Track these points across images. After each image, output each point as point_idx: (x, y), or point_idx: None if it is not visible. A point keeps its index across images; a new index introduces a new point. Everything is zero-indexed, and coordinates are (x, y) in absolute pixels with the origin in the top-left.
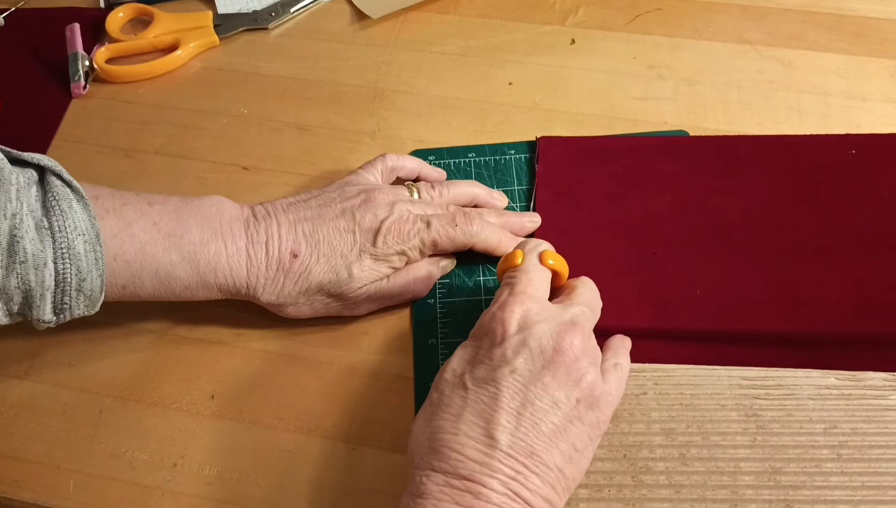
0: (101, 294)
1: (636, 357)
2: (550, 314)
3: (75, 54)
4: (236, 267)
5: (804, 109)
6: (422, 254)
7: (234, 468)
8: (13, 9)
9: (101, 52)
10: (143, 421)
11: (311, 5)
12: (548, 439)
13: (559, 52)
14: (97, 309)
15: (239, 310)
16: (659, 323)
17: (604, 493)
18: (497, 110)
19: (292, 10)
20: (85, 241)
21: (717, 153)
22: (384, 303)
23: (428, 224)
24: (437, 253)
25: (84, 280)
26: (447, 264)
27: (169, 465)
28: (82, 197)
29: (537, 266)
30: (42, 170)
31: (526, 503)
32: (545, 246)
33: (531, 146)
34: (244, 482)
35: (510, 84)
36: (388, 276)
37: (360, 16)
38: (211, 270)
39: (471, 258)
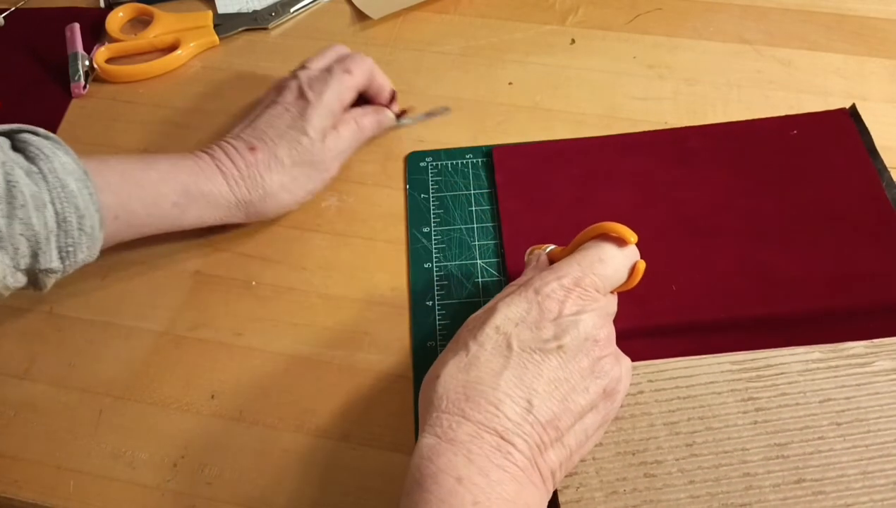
0: (100, 231)
1: None
2: (602, 304)
3: (75, 54)
4: (213, 177)
5: (804, 109)
6: (351, 89)
7: (234, 468)
8: (13, 9)
9: (101, 52)
10: (143, 421)
11: (311, 5)
12: (573, 418)
13: (559, 52)
14: (97, 251)
15: (240, 310)
16: (639, 320)
17: (619, 491)
18: (497, 110)
19: (292, 10)
20: (76, 179)
21: (670, 146)
22: (357, 146)
23: (329, 70)
24: (360, 86)
25: (83, 217)
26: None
27: (169, 465)
28: (59, 142)
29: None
30: (10, 135)
31: (539, 472)
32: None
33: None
34: (244, 482)
35: (510, 84)
36: (344, 125)
37: (360, 16)
38: (192, 179)
39: (470, 259)
